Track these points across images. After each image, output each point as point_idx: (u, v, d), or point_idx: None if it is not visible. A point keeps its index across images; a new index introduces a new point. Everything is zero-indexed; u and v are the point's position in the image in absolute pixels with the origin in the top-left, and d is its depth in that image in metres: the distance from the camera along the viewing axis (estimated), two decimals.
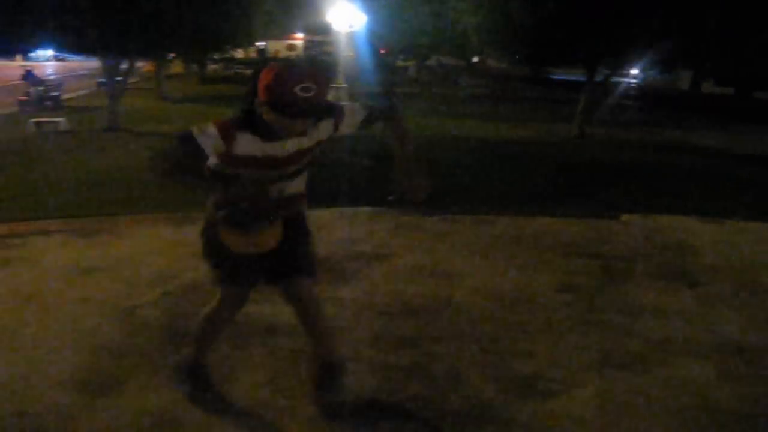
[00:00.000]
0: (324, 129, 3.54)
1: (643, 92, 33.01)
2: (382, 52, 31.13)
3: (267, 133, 3.33)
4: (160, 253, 6.50)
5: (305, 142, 3.47)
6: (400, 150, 3.90)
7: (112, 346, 4.58)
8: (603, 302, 5.58)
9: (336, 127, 3.59)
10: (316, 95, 3.18)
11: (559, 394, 4.11)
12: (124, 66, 17.63)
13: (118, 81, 17.34)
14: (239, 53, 39.18)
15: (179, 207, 8.06)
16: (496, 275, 6.18)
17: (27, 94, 21.68)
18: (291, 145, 3.43)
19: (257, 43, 42.97)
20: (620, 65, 18.10)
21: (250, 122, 3.33)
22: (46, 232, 7.28)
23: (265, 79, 3.19)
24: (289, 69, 3.23)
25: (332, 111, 3.56)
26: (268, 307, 5.06)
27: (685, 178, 11.92)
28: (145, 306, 5.24)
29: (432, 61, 44.03)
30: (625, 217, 8.40)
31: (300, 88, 3.12)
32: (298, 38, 55.58)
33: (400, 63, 42.25)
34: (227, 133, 3.29)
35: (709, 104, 32.91)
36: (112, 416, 3.74)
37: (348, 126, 3.66)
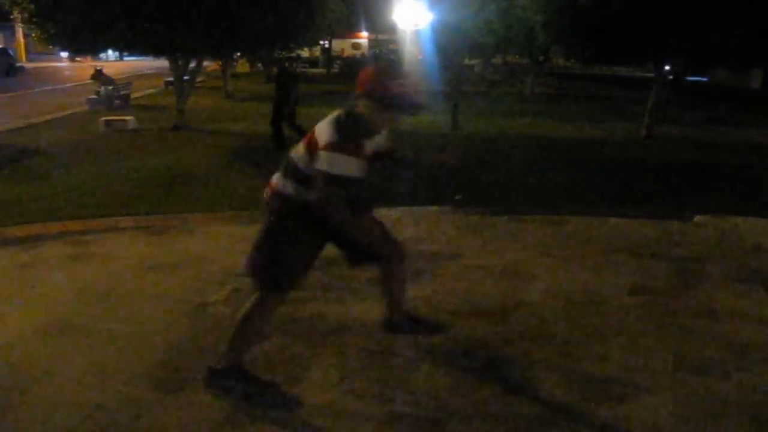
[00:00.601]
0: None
1: (711, 91, 32.30)
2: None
3: (366, 131, 3.52)
4: (229, 251, 6.56)
5: (382, 145, 3.65)
6: None
7: (184, 342, 4.63)
8: (677, 305, 5.45)
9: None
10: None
11: (634, 398, 4.02)
12: (191, 65, 17.87)
13: (185, 80, 17.58)
14: (304, 52, 39.48)
15: (247, 205, 8.15)
16: (566, 276, 6.09)
17: (97, 93, 22.13)
18: (369, 146, 3.55)
19: (321, 42, 43.26)
20: (691, 64, 17.71)
21: (354, 124, 3.46)
22: (117, 228, 7.42)
23: (371, 74, 3.47)
24: (395, 67, 3.51)
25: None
26: (339, 306, 5.08)
27: (758, 179, 11.58)
28: (216, 303, 5.29)
29: (497, 60, 43.94)
30: (697, 219, 8.19)
31: (402, 84, 3.44)
32: (363, 36, 55.77)
33: (466, 62, 42.17)
34: (355, 147, 3.40)
35: None
36: (184, 412, 3.78)
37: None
